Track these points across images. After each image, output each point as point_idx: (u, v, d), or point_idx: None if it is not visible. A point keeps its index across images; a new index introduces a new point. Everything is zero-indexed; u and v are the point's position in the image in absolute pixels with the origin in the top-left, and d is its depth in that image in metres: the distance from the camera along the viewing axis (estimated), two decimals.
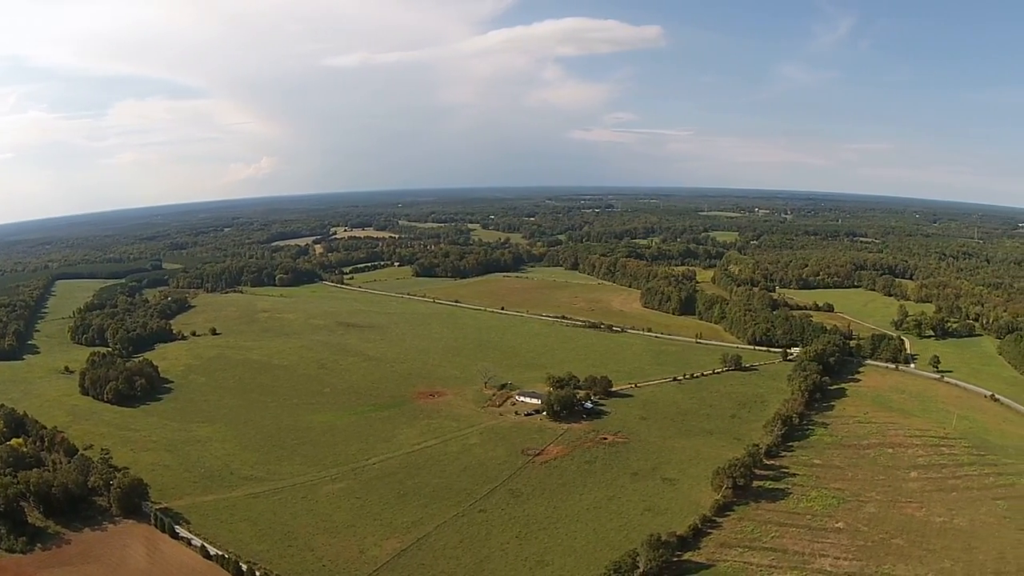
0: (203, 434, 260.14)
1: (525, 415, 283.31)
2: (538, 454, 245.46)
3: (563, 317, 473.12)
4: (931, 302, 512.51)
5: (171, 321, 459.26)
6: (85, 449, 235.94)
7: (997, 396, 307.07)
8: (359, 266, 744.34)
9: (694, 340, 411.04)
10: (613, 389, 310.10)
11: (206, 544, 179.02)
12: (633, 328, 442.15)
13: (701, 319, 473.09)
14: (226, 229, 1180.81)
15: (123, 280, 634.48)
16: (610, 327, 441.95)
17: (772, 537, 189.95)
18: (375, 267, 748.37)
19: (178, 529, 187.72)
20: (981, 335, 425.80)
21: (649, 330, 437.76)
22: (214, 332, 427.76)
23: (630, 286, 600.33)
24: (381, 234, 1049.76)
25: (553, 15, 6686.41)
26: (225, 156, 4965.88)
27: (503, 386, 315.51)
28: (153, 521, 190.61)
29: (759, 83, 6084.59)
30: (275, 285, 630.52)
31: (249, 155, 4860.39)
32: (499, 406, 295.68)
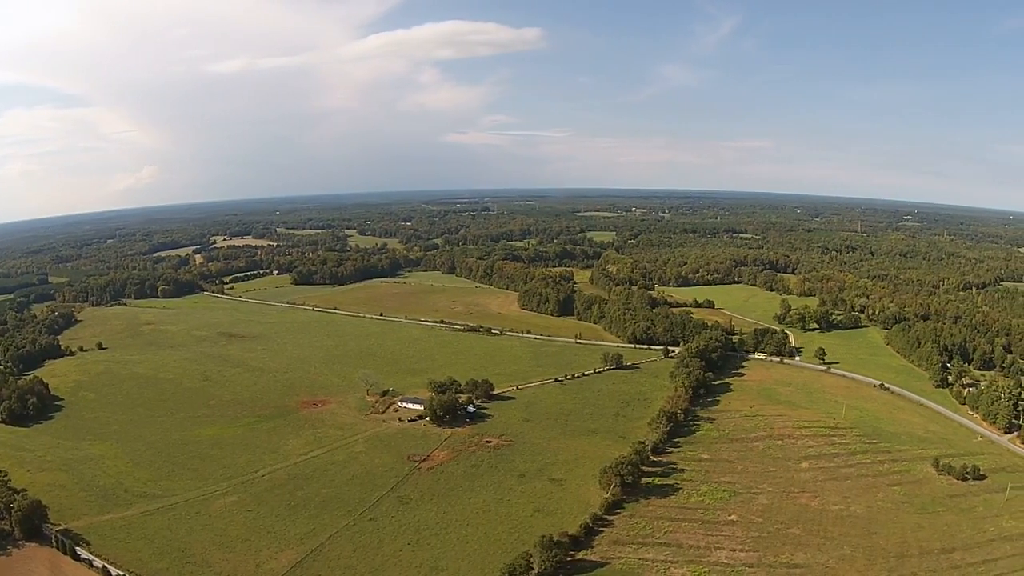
0: (96, 452, 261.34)
1: (408, 421, 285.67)
2: (424, 460, 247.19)
3: (442, 322, 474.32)
4: (815, 295, 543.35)
5: (59, 336, 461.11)
6: None
7: (887, 385, 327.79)
8: (239, 275, 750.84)
9: (574, 340, 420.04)
10: (495, 392, 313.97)
11: (107, 565, 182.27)
12: (512, 330, 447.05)
13: (580, 319, 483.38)
14: (109, 241, 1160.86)
15: (11, 295, 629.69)
16: (489, 330, 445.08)
17: (665, 532, 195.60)
18: (255, 276, 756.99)
19: (79, 550, 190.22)
20: (867, 326, 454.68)
21: (528, 332, 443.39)
22: (101, 347, 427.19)
23: (508, 288, 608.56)
24: (260, 242, 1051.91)
25: (434, 18, 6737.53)
26: (109, 166, 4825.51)
27: (385, 393, 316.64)
28: (55, 543, 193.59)
29: (638, 83, 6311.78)
30: (158, 297, 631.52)
31: (132, 164, 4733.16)
32: (382, 413, 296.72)
